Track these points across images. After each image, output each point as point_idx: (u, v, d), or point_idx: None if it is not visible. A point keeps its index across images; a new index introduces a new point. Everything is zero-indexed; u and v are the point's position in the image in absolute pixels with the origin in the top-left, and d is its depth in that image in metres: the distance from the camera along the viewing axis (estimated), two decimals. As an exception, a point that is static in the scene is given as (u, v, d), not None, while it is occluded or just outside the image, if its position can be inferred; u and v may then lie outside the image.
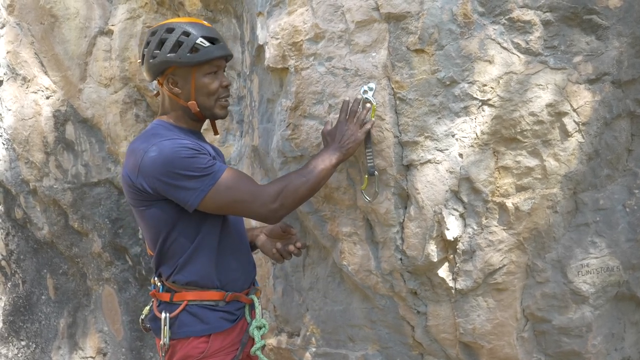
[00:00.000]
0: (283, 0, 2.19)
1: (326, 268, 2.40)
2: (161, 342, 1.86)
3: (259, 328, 1.94)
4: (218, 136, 2.81)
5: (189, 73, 1.87)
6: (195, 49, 1.86)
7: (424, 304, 2.17)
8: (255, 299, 1.97)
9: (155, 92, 2.02)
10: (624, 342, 2.19)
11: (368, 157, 2.01)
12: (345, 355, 2.40)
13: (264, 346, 1.96)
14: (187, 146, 1.78)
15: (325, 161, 1.88)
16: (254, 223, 2.53)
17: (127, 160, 1.86)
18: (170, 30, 1.88)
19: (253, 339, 1.94)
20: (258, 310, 1.95)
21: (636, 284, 2.12)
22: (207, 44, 1.87)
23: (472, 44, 1.92)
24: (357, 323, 2.35)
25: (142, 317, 2.03)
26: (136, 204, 1.87)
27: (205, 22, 1.96)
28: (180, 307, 1.85)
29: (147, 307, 2.02)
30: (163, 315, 1.86)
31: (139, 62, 1.97)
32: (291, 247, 2.05)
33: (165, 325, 1.85)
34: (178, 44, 1.85)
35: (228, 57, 1.96)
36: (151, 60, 1.89)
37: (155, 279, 1.96)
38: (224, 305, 1.89)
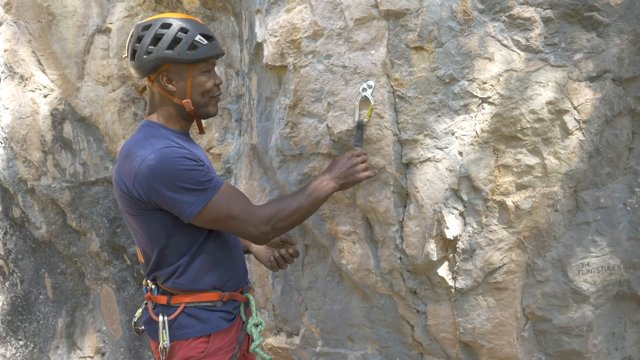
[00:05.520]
0: (281, -2, 2.18)
1: (325, 267, 2.39)
2: (160, 345, 1.85)
3: (256, 325, 1.96)
4: (218, 135, 2.79)
5: (185, 70, 1.83)
6: (194, 46, 1.82)
7: (423, 303, 2.16)
8: (251, 297, 1.99)
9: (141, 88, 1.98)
10: (625, 341, 2.18)
11: None
12: (344, 355, 2.39)
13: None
14: (186, 156, 1.75)
15: (323, 188, 1.88)
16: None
17: (122, 165, 1.82)
18: (166, 25, 1.83)
19: (250, 337, 1.96)
20: (254, 307, 1.97)
21: (637, 282, 2.11)
22: (205, 41, 1.84)
23: (471, 41, 1.91)
24: (356, 322, 2.34)
25: (135, 320, 2.01)
26: (131, 212, 1.84)
27: (197, 19, 1.92)
28: (179, 310, 1.85)
29: (140, 310, 2.01)
30: (161, 318, 1.85)
31: (126, 57, 1.92)
32: (282, 251, 2.08)
33: (163, 328, 1.84)
34: (176, 41, 1.81)
35: (222, 55, 1.95)
36: (145, 57, 1.83)
37: (149, 281, 1.94)
38: (221, 305, 1.90)
